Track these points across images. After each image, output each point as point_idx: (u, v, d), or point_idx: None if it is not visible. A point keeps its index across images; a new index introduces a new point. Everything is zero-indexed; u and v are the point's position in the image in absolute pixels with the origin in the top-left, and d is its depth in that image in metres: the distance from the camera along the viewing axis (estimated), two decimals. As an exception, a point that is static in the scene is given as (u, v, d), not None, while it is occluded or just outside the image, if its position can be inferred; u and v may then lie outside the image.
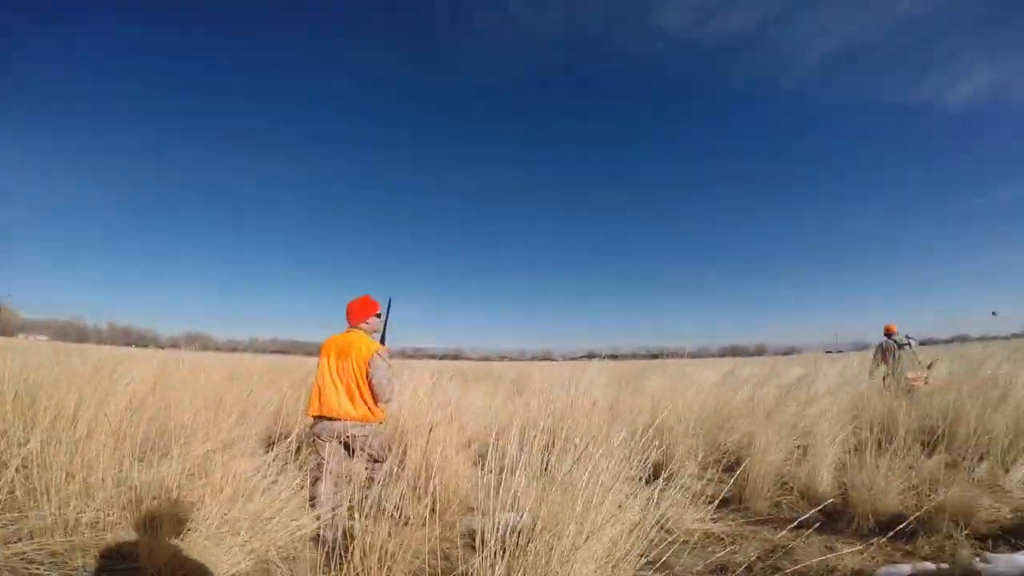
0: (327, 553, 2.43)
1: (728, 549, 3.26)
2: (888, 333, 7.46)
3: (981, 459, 3.88)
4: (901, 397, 5.66)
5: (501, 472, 3.80)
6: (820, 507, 3.76)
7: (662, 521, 3.63)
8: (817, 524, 3.55)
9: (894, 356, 7.19)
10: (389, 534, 2.50)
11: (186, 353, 7.70)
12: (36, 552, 2.61)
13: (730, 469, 4.80)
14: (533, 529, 2.31)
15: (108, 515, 2.98)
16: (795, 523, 3.57)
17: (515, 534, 2.21)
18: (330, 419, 3.13)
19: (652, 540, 3.27)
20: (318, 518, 3.02)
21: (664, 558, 3.13)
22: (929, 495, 3.24)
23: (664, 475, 4.61)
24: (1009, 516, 3.13)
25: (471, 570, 2.20)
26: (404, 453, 3.69)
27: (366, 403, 3.16)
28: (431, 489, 3.28)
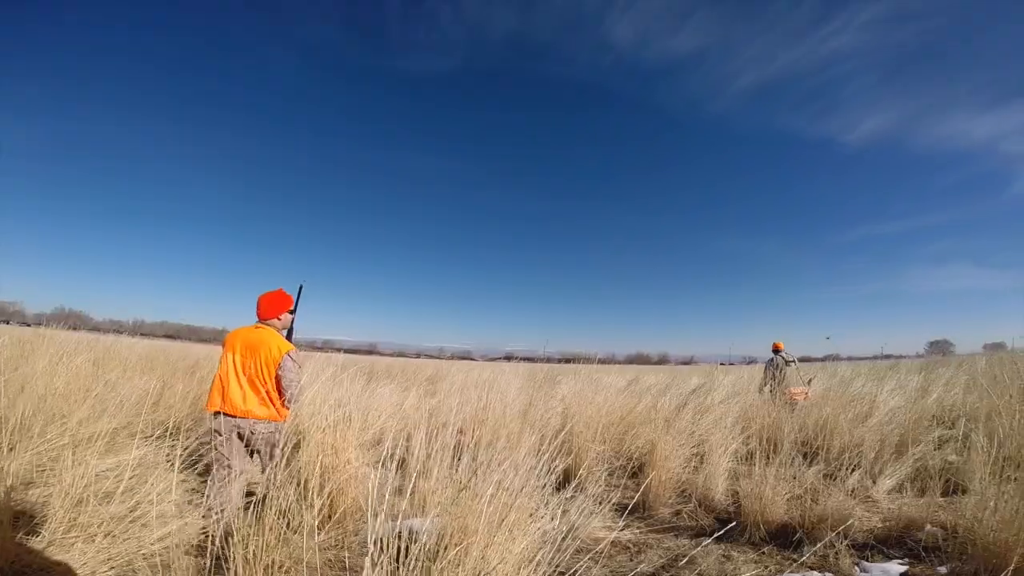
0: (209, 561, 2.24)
1: (634, 559, 3.26)
2: (776, 350, 8.10)
3: (853, 470, 4.24)
4: (785, 410, 6.11)
5: (407, 476, 3.56)
6: (716, 515, 4.02)
7: (572, 529, 3.60)
8: (715, 532, 3.68)
9: (780, 371, 7.83)
10: (277, 541, 2.25)
11: (53, 331, 6.47)
12: None
13: (635, 475, 4.89)
14: (440, 538, 2.13)
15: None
16: (695, 532, 3.71)
17: (424, 542, 2.05)
18: (232, 416, 2.96)
19: (561, 549, 3.23)
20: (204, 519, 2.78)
21: (573, 568, 3.10)
22: (811, 505, 3.44)
23: (574, 482, 4.63)
24: (880, 525, 3.40)
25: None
26: (293, 452, 3.49)
27: (272, 403, 3.03)
28: (327, 492, 2.99)
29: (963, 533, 2.53)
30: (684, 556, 3.22)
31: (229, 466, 2.96)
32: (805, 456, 4.74)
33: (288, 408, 3.14)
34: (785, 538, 3.35)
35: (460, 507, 2.30)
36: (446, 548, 2.07)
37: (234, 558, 2.18)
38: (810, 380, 7.79)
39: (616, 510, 4.02)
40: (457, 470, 2.91)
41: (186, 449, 3.65)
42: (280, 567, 2.28)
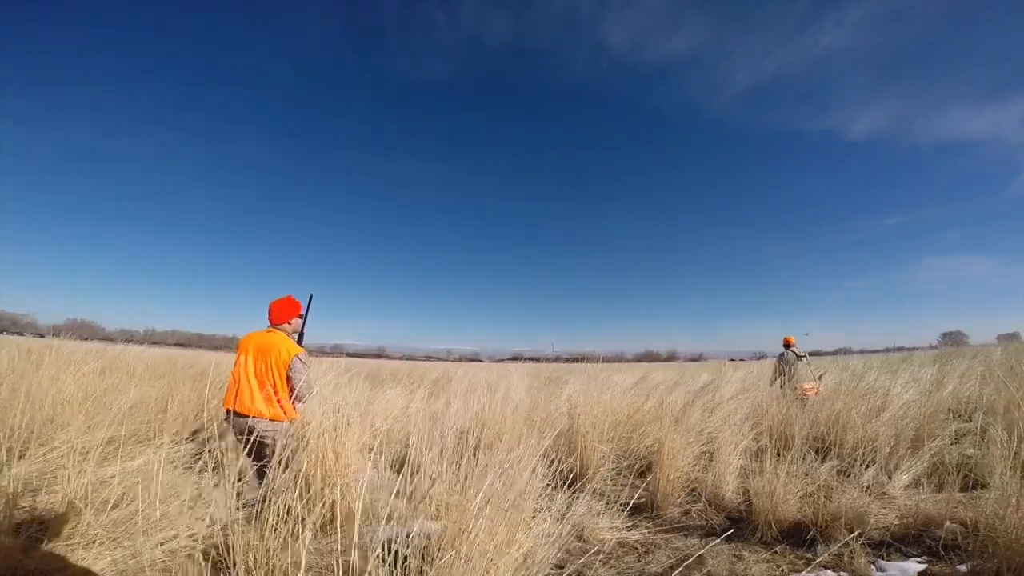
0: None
1: (641, 560, 3.20)
2: (787, 345, 7.98)
3: (867, 466, 4.13)
4: (796, 405, 6.00)
5: (409, 479, 3.53)
6: (726, 514, 3.94)
7: (577, 530, 3.55)
8: (725, 532, 3.60)
9: (791, 366, 7.72)
10: (278, 546, 2.22)
11: (61, 342, 6.58)
12: None
13: (643, 475, 4.81)
14: (442, 539, 2.09)
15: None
16: (705, 531, 3.63)
17: (423, 546, 2.11)
18: (241, 415, 3.14)
19: (568, 550, 3.18)
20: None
21: (579, 569, 3.05)
22: (825, 502, 3.35)
23: (580, 482, 4.57)
24: (897, 523, 3.30)
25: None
26: (292, 456, 3.40)
27: (280, 403, 3.19)
28: (332, 498, 2.97)
29: (984, 530, 2.43)
30: (693, 556, 3.15)
31: (241, 459, 3.11)
32: (818, 452, 4.64)
33: (297, 406, 3.31)
34: (798, 537, 3.26)
35: (459, 509, 2.25)
36: (441, 551, 2.03)
37: (235, 563, 2.16)
38: (821, 375, 7.67)
39: (624, 510, 3.95)
40: (459, 471, 2.86)
41: (194, 456, 3.65)
42: (282, 572, 2.25)
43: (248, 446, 3.08)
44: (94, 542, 2.60)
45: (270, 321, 3.41)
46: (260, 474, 3.19)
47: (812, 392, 6.87)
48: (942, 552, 2.69)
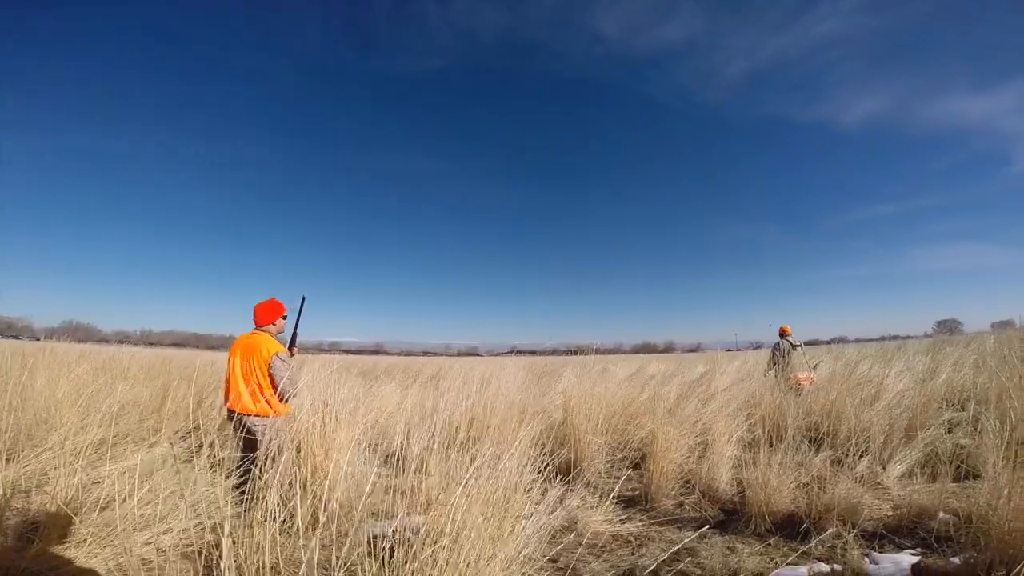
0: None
1: (635, 552, 3.19)
2: (782, 334, 7.97)
3: (861, 456, 4.13)
4: (790, 395, 6.00)
5: (399, 474, 3.51)
6: (720, 505, 3.94)
7: (571, 523, 3.54)
8: (719, 523, 3.60)
9: (786, 356, 7.72)
10: (267, 543, 2.16)
11: (55, 344, 6.62)
12: None
13: (637, 466, 4.81)
14: (428, 535, 2.07)
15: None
16: (699, 523, 3.63)
17: (413, 542, 2.04)
18: (236, 413, 3.38)
19: (562, 543, 3.17)
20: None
21: (572, 563, 3.04)
22: (818, 493, 3.34)
23: (574, 473, 4.56)
24: (890, 514, 3.29)
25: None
26: (279, 450, 3.44)
27: (267, 400, 3.40)
28: (317, 492, 2.95)
29: (977, 522, 2.41)
30: (687, 549, 3.14)
31: (244, 451, 3.34)
32: (812, 442, 4.64)
33: (286, 404, 3.51)
34: (791, 528, 3.25)
35: (445, 504, 2.23)
36: (426, 546, 2.01)
37: (225, 561, 2.13)
38: (816, 365, 7.67)
39: (618, 502, 3.94)
40: (447, 465, 2.85)
41: (187, 454, 3.64)
42: (272, 569, 2.22)
43: (241, 441, 3.35)
44: (85, 541, 2.61)
45: (255, 323, 3.61)
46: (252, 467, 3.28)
47: (807, 382, 6.87)
48: (935, 544, 2.68)
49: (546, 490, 3.55)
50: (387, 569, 2.04)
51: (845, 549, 2.67)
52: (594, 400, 5.29)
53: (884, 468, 4.04)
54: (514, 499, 2.65)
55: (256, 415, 3.36)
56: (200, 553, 2.52)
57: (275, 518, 2.29)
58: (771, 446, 3.68)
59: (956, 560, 2.36)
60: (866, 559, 2.59)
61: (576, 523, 3.53)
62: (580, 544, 3.32)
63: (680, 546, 3.16)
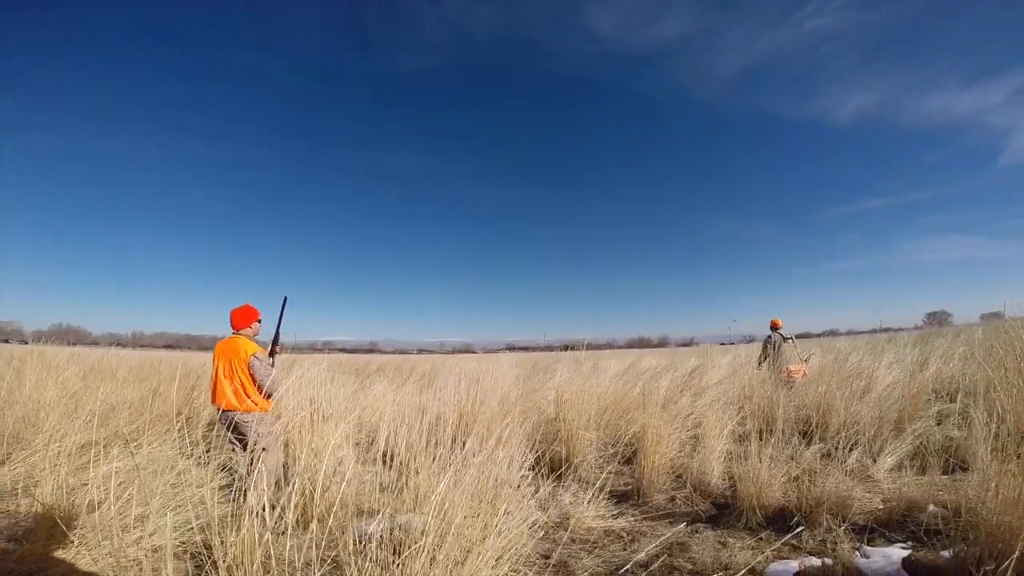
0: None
1: (627, 548, 3.18)
2: (774, 327, 8.00)
3: (852, 449, 4.14)
4: (781, 388, 6.02)
5: (389, 471, 3.48)
6: (712, 500, 3.94)
7: (564, 519, 3.53)
8: (710, 518, 3.60)
9: (777, 349, 7.75)
10: (255, 542, 2.14)
11: (44, 347, 6.63)
12: None
13: (629, 461, 4.81)
14: (418, 532, 2.05)
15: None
16: (691, 518, 3.63)
17: (401, 540, 2.08)
18: (225, 411, 3.64)
19: (555, 540, 3.15)
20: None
21: (565, 560, 3.02)
22: (809, 486, 3.34)
23: (566, 466, 4.55)
24: (881, 507, 3.30)
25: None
26: (266, 448, 3.59)
27: (250, 396, 3.66)
28: (310, 491, 2.92)
29: (966, 515, 2.41)
30: (679, 543, 3.14)
31: (235, 447, 3.65)
32: (803, 435, 4.65)
33: (269, 400, 3.77)
34: (783, 522, 3.25)
35: (436, 502, 2.21)
36: (412, 544, 1.99)
37: (216, 559, 2.11)
38: (807, 357, 7.71)
39: (610, 497, 3.94)
40: (435, 462, 2.82)
41: (177, 454, 3.62)
42: (262, 567, 2.20)
43: (231, 434, 3.64)
44: (74, 543, 2.61)
45: (232, 327, 3.89)
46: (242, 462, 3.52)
47: (798, 374, 6.90)
48: (925, 537, 2.68)
49: (538, 486, 3.55)
50: (375, 567, 2.02)
51: (836, 543, 2.67)
52: (586, 396, 5.27)
53: (874, 461, 4.05)
54: (503, 496, 2.64)
55: (243, 411, 3.63)
56: (190, 554, 2.51)
57: (264, 518, 2.28)
58: (762, 439, 3.69)
59: (946, 554, 2.36)
60: (857, 553, 2.59)
61: (568, 518, 3.51)
62: (572, 540, 3.32)
63: (672, 541, 3.17)
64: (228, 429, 3.65)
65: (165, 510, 2.93)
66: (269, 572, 2.30)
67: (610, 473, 4.42)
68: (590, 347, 7.92)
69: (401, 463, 3.38)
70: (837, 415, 5.04)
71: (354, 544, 2.17)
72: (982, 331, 8.26)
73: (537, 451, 4.55)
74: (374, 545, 2.06)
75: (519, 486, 3.07)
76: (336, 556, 2.30)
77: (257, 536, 2.18)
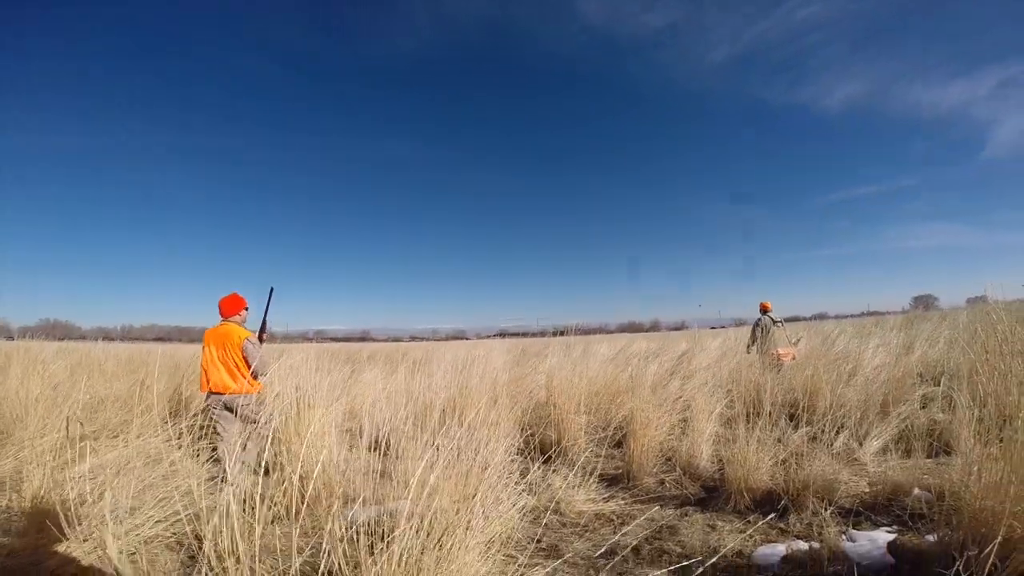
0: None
1: (617, 531, 3.21)
2: (763, 310, 8.03)
3: (838, 432, 4.19)
4: (769, 371, 6.07)
5: (378, 459, 3.47)
6: (701, 483, 3.98)
7: (554, 503, 3.55)
8: (699, 501, 3.64)
9: (767, 332, 7.79)
10: (245, 532, 2.12)
11: (29, 343, 6.63)
12: None
13: (619, 445, 4.84)
14: (412, 517, 2.05)
15: None
16: (680, 501, 3.67)
17: (388, 527, 2.04)
18: (218, 393, 3.86)
19: (545, 523, 3.18)
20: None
21: (556, 544, 3.05)
22: (796, 469, 3.38)
23: (556, 450, 4.58)
24: (867, 490, 3.35)
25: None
26: (260, 429, 3.81)
27: (244, 378, 3.90)
28: (297, 479, 2.90)
29: (950, 499, 2.45)
30: (668, 527, 3.17)
31: (226, 431, 3.85)
32: (791, 418, 4.70)
33: (260, 381, 4.04)
34: (770, 505, 3.29)
35: (422, 488, 2.20)
36: (398, 531, 1.99)
37: (206, 549, 2.09)
38: (797, 340, 7.78)
39: (600, 481, 3.96)
40: (422, 448, 2.81)
41: (166, 444, 3.60)
42: (249, 556, 2.19)
43: (222, 419, 3.86)
44: (65, 536, 2.55)
45: (221, 315, 4.11)
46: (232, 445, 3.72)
47: (787, 357, 6.95)
48: (910, 521, 2.73)
49: (529, 470, 3.56)
50: (362, 555, 2.02)
51: (823, 527, 2.70)
52: (576, 380, 5.28)
53: (860, 444, 4.11)
54: (491, 481, 2.63)
55: (240, 392, 3.85)
56: (181, 544, 2.49)
57: (254, 508, 2.28)
58: (750, 422, 3.71)
59: (931, 538, 2.40)
60: (843, 537, 2.63)
61: (559, 502, 3.53)
62: (563, 524, 3.34)
63: (661, 524, 3.20)
64: (219, 409, 3.86)
65: (153, 501, 2.92)
66: (259, 561, 2.31)
67: (600, 456, 4.45)
68: (582, 332, 7.95)
69: (390, 450, 3.37)
70: (824, 398, 5.10)
71: (341, 532, 2.16)
72: (967, 315, 8.39)
73: (527, 434, 4.57)
74: (362, 533, 2.05)
75: (510, 472, 3.07)
76: (323, 543, 2.29)
77: (247, 526, 2.17)
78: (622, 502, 3.69)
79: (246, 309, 4.22)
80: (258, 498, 2.09)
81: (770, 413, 4.04)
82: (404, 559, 1.98)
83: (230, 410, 3.88)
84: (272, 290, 4.37)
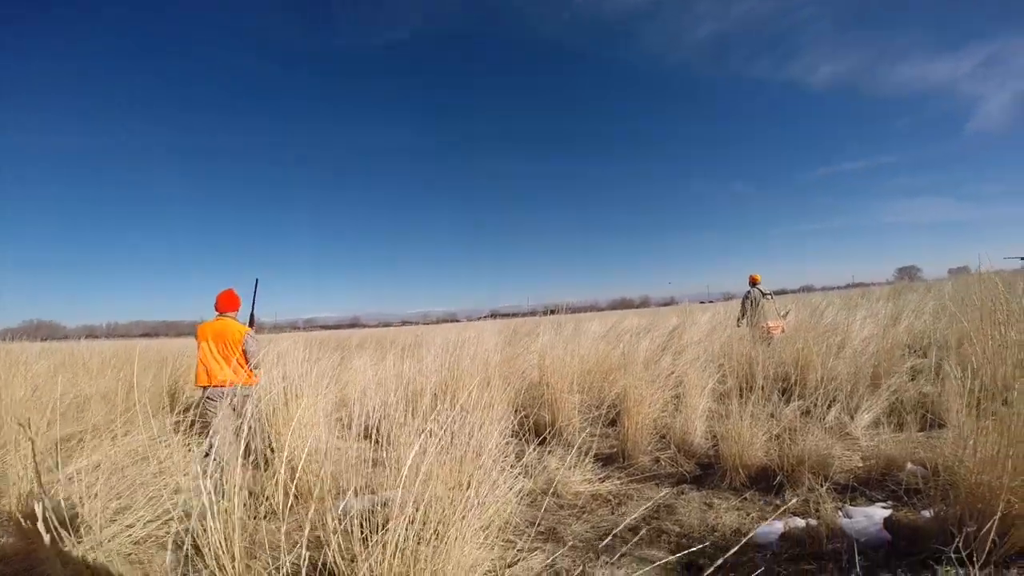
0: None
1: (615, 512, 3.21)
2: (752, 283, 8.03)
3: (830, 406, 4.22)
4: (760, 344, 6.09)
5: (369, 448, 3.41)
6: (696, 460, 4.00)
7: (550, 485, 3.54)
8: (695, 478, 3.66)
9: (756, 305, 7.82)
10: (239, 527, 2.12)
11: (10, 344, 6.50)
12: None
13: (613, 423, 4.84)
14: (406, 507, 2.01)
15: None
16: (676, 479, 3.68)
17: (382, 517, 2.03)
18: (219, 387, 3.88)
19: (543, 506, 3.16)
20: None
21: (554, 527, 3.04)
22: (790, 445, 3.39)
23: (551, 431, 4.57)
24: (860, 465, 3.38)
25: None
26: (258, 426, 3.76)
27: (245, 371, 3.98)
28: (287, 469, 2.85)
29: (944, 473, 2.45)
30: (665, 506, 3.18)
31: (224, 426, 3.67)
32: (783, 392, 4.72)
33: (256, 372, 4.08)
34: (766, 482, 3.31)
35: (415, 476, 2.16)
36: (391, 521, 1.95)
37: (202, 549, 2.09)
38: (786, 313, 7.82)
39: (596, 460, 3.96)
40: (412, 435, 2.76)
41: (157, 442, 3.52)
42: (243, 552, 2.15)
43: (218, 412, 3.72)
44: (57, 539, 2.48)
45: (218, 310, 4.16)
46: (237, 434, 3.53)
47: (777, 330, 6.99)
48: (905, 497, 2.73)
49: (523, 451, 3.53)
50: (356, 546, 1.98)
51: (819, 503, 2.71)
52: (569, 358, 5.25)
53: (852, 418, 4.14)
54: (484, 466, 2.59)
55: (240, 384, 3.90)
56: (175, 542, 2.44)
57: (247, 505, 2.25)
58: (742, 397, 3.70)
59: (927, 513, 2.41)
60: (840, 513, 2.64)
61: (555, 484, 3.52)
62: (560, 506, 3.33)
63: (659, 503, 3.20)
64: (223, 403, 3.83)
65: (144, 499, 2.88)
66: (253, 556, 2.26)
67: (595, 436, 4.45)
68: (573, 310, 7.90)
69: (382, 437, 3.31)
70: (815, 371, 5.13)
71: (334, 523, 2.11)
72: (951, 284, 8.48)
73: (521, 415, 4.55)
74: (356, 523, 2.02)
75: (504, 456, 3.04)
76: (317, 535, 2.25)
77: (238, 522, 2.12)
78: (618, 482, 3.69)
79: (242, 304, 4.35)
80: (246, 493, 2.04)
81: (763, 388, 4.05)
82: (401, 550, 1.94)
83: (230, 403, 3.87)
84: (257, 282, 4.53)
